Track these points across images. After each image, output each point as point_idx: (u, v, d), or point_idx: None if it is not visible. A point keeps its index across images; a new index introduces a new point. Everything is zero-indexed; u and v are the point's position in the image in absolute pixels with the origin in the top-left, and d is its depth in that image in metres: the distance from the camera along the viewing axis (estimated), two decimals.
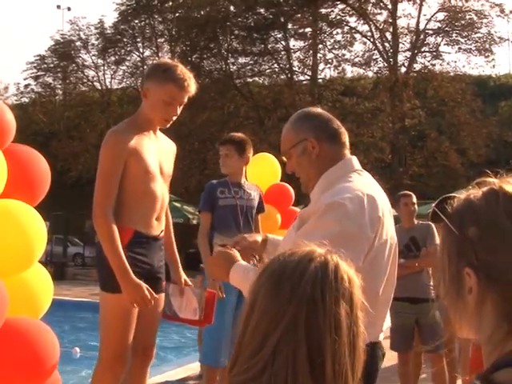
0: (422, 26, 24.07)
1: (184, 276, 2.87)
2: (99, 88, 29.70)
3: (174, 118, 2.57)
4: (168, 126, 2.60)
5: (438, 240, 4.27)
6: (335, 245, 1.05)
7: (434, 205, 2.83)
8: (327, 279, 0.92)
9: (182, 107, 2.57)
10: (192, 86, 2.52)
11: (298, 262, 0.95)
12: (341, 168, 1.82)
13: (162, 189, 2.64)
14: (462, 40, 23.78)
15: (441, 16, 24.08)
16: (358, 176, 1.82)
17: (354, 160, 1.88)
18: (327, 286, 0.92)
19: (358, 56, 25.21)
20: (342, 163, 1.83)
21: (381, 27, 24.12)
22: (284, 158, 1.91)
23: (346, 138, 1.89)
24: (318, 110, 1.90)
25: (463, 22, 23.66)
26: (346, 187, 1.74)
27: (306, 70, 25.92)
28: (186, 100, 2.55)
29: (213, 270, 1.94)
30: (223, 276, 1.84)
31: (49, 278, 2.57)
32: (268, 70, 26.09)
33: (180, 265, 2.87)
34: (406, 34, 24.45)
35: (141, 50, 28.58)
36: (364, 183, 1.79)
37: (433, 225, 4.25)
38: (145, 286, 2.47)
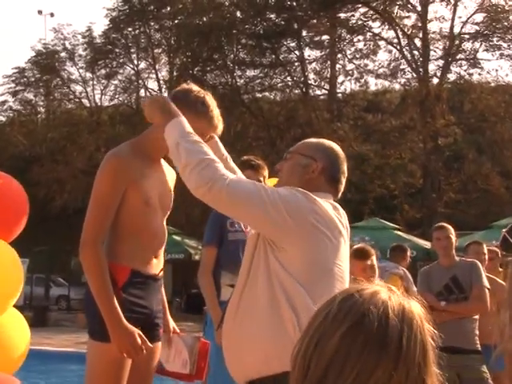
0: (456, 30, 24.03)
1: (172, 323, 2.88)
2: (88, 105, 30.08)
3: None
4: None
5: (485, 280, 4.22)
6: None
7: (504, 231, 2.83)
8: (415, 335, 1.01)
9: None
10: (221, 127, 2.64)
11: (384, 313, 1.02)
12: (315, 195, 2.12)
13: (161, 223, 2.69)
14: (505, 45, 23.57)
15: (479, 18, 23.94)
16: (327, 202, 2.13)
17: (330, 197, 2.20)
18: (416, 343, 1.01)
19: (382, 66, 25.38)
20: (320, 193, 2.14)
21: (409, 32, 24.22)
22: (284, 155, 2.24)
23: (340, 190, 2.26)
24: (344, 156, 2.27)
25: (506, 23, 23.34)
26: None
27: (323, 83, 26.11)
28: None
29: (147, 110, 2.27)
30: (155, 119, 2.24)
31: (25, 325, 2.53)
32: (280, 84, 26.34)
33: (167, 309, 2.89)
34: (439, 40, 24.48)
35: (135, 61, 28.97)
36: (330, 207, 2.12)
37: (478, 262, 4.20)
38: (137, 331, 2.48)
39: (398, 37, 24.34)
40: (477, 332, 4.18)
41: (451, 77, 24.60)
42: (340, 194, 2.26)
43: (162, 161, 2.78)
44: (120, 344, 2.45)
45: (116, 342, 2.45)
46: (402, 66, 24.76)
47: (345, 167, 2.24)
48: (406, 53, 24.31)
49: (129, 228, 2.58)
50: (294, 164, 2.19)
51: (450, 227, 4.42)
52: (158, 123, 2.23)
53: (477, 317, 4.22)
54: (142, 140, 2.67)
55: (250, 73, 26.09)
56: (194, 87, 2.63)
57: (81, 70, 29.66)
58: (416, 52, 24.19)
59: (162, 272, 2.74)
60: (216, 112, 2.60)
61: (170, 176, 2.81)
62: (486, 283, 4.20)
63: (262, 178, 3.78)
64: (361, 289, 1.06)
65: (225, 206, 2.06)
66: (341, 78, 26.17)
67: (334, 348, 0.99)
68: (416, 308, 1.05)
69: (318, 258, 2.03)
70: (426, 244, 13.42)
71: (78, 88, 30.06)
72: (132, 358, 2.49)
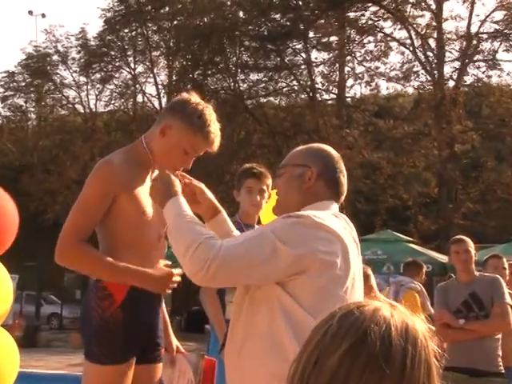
0: (474, 29, 23.88)
1: (176, 341, 2.89)
2: (81, 111, 30.16)
3: (182, 169, 2.67)
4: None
5: (508, 297, 4.20)
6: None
7: None
8: (420, 355, 1.00)
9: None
10: (218, 142, 2.65)
11: (387, 332, 1.01)
12: (317, 206, 2.14)
13: (160, 235, 2.70)
14: None
15: (499, 16, 23.75)
16: (333, 216, 2.11)
17: (335, 206, 2.20)
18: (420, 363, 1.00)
19: (394, 69, 25.38)
20: (322, 203, 2.16)
21: (422, 32, 24.21)
22: (277, 172, 2.26)
23: (343, 192, 2.24)
24: (338, 155, 2.27)
25: None
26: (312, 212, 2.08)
27: (331, 87, 26.17)
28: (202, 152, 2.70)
29: (151, 191, 2.33)
30: (156, 200, 2.27)
31: (13, 346, 2.52)
32: (285, 89, 26.40)
33: (170, 327, 2.90)
34: (455, 40, 24.40)
35: (132, 65, 29.10)
36: (335, 222, 2.08)
37: (499, 277, 4.17)
38: (165, 270, 2.60)
39: (410, 37, 24.36)
40: (499, 353, 4.13)
41: (468, 79, 24.59)
42: (343, 196, 2.25)
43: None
44: (160, 289, 2.60)
45: (156, 289, 2.60)
46: (415, 69, 24.79)
47: (342, 166, 2.24)
48: (419, 54, 24.31)
49: (125, 241, 2.59)
50: (288, 178, 2.21)
51: (468, 240, 4.40)
52: (159, 205, 2.26)
53: (499, 336, 4.18)
54: (136, 147, 2.69)
55: (254, 77, 26.21)
56: (194, 98, 2.65)
57: (74, 74, 29.82)
58: (430, 53, 24.18)
59: None
60: (213, 127, 2.61)
61: None
62: (509, 300, 4.18)
63: (264, 187, 3.79)
64: (361, 305, 1.06)
65: (228, 282, 2.12)
66: (350, 82, 26.23)
67: (334, 367, 0.98)
68: (420, 326, 1.04)
69: (328, 284, 2.00)
70: (443, 258, 13.35)
71: (72, 93, 30.20)
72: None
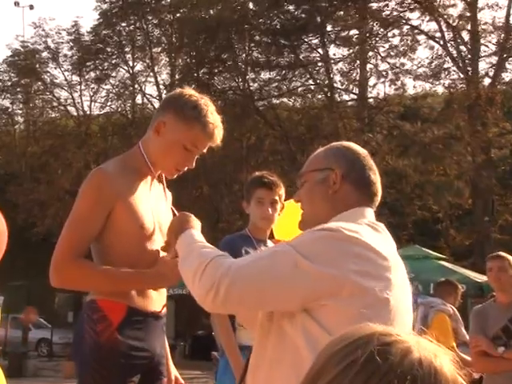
0: None
1: (175, 371, 2.90)
2: (74, 114, 30.34)
3: (186, 169, 2.70)
4: (174, 176, 2.73)
5: None
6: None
7: None
8: None
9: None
10: (220, 135, 2.67)
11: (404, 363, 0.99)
12: (349, 216, 2.05)
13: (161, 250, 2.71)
14: None
15: None
16: (369, 228, 2.02)
17: (370, 212, 2.13)
18: None
19: (422, 65, 25.34)
20: (354, 210, 2.08)
21: (454, 24, 24.14)
22: (297, 183, 2.20)
23: (376, 193, 2.16)
24: (364, 151, 2.19)
25: None
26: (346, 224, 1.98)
27: (351, 86, 26.18)
28: (205, 150, 2.71)
29: (168, 233, 2.35)
30: (171, 239, 2.27)
31: None
32: (300, 88, 26.49)
33: (169, 355, 2.90)
34: (491, 32, 24.27)
35: (130, 63, 29.25)
36: (372, 235, 1.98)
37: None
38: (166, 264, 2.60)
39: (441, 30, 24.30)
40: None
41: (506, 76, 24.53)
42: (379, 198, 2.16)
43: (156, 182, 2.81)
44: (173, 281, 2.62)
45: (169, 283, 2.66)
46: (446, 65, 24.72)
47: (370, 162, 2.15)
48: (451, 49, 24.25)
49: (123, 257, 2.59)
50: (310, 186, 2.15)
51: (508, 256, 4.37)
52: (175, 244, 2.25)
53: None
54: (132, 156, 2.72)
55: (265, 75, 26.29)
56: (188, 90, 2.70)
57: (66, 73, 30.01)
58: (463, 47, 24.12)
59: (164, 309, 2.75)
60: (212, 117, 2.64)
61: (169, 198, 2.85)
62: None
63: (277, 198, 3.79)
64: (393, 341, 1.02)
65: (242, 307, 2.03)
66: (372, 81, 26.26)
67: None
68: (448, 367, 1.00)
69: (364, 311, 1.87)
70: (479, 277, 13.28)
71: (63, 94, 30.35)
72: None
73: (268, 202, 3.75)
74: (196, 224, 2.28)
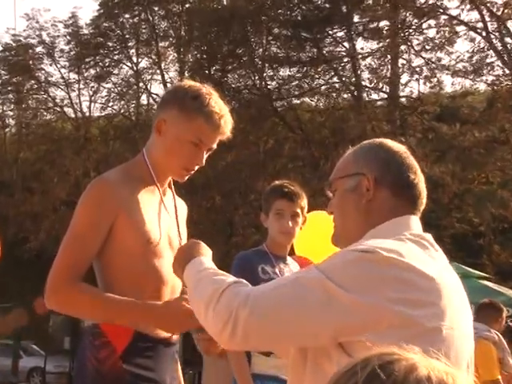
0: None
1: None
2: (72, 116, 30.48)
3: (197, 167, 2.70)
4: (186, 179, 2.74)
5: None
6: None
7: None
8: None
9: (208, 154, 2.72)
10: (228, 125, 2.67)
11: None
12: (388, 230, 1.95)
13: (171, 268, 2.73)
14: None
15: None
16: (413, 244, 1.90)
17: (414, 220, 2.01)
18: None
19: (461, 60, 25.22)
20: (395, 222, 1.98)
21: (499, 13, 24.02)
22: (328, 193, 2.14)
23: (420, 195, 2.05)
24: (401, 146, 2.10)
25: None
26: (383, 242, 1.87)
27: (381, 84, 26.08)
28: (215, 145, 2.70)
29: (173, 263, 2.28)
30: (178, 271, 2.21)
31: None
32: (324, 87, 26.47)
33: None
34: None
35: (134, 58, 29.40)
36: (417, 252, 1.87)
37: None
38: (176, 302, 2.59)
39: (483, 19, 24.12)
40: None
41: None
42: (423, 202, 2.05)
43: (170, 191, 2.84)
44: (175, 329, 2.61)
45: (170, 330, 2.62)
46: (488, 59, 24.54)
47: (411, 161, 2.06)
48: (494, 41, 24.09)
49: (128, 276, 2.60)
50: (341, 195, 2.08)
51: None
52: (179, 277, 2.24)
53: None
54: (135, 164, 2.74)
55: (285, 72, 26.28)
56: (187, 81, 2.73)
57: (63, 70, 30.15)
58: (509, 39, 23.98)
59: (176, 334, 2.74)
60: (216, 106, 2.63)
61: (181, 207, 2.85)
62: None
63: (298, 210, 3.80)
64: (396, 359, 1.04)
65: (265, 343, 1.96)
66: (405, 78, 26.11)
67: None
68: None
69: (409, 343, 1.71)
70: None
71: (60, 93, 30.46)
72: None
73: (288, 214, 3.76)
74: (206, 252, 2.21)
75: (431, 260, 1.88)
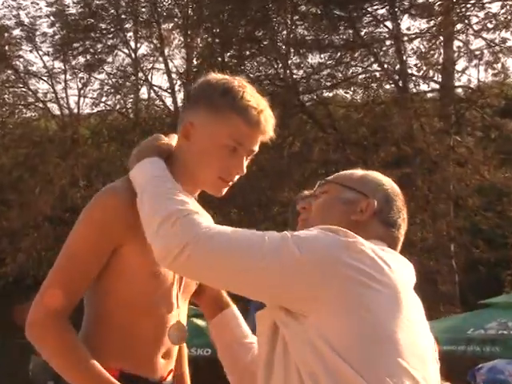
0: None
1: None
2: (57, 113, 30.58)
3: (237, 177, 2.76)
4: (224, 192, 2.82)
5: None
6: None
7: None
8: None
9: (249, 160, 2.79)
10: (270, 122, 2.72)
11: None
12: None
13: (178, 304, 2.78)
14: None
15: None
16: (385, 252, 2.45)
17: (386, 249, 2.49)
18: None
19: None
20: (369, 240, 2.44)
21: None
22: (312, 191, 2.70)
23: (399, 239, 2.61)
24: (399, 191, 2.65)
25: None
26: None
27: (431, 72, 25.98)
28: (257, 147, 2.76)
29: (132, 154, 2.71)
30: (132, 162, 2.66)
31: None
32: (362, 76, 26.49)
33: None
34: None
35: (132, 43, 29.44)
36: (384, 252, 2.40)
37: None
38: None
39: None
40: None
41: None
42: (399, 243, 2.60)
43: None
44: None
45: None
46: None
47: (402, 205, 2.62)
48: None
49: (126, 309, 2.67)
50: (332, 199, 2.54)
51: None
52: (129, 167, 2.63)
53: None
54: None
55: (314, 59, 26.29)
56: (215, 74, 2.77)
57: (45, 58, 30.14)
58: None
59: (170, 375, 2.80)
60: (254, 100, 2.70)
61: None
62: None
63: None
64: None
65: (202, 272, 2.32)
66: (462, 64, 26.05)
67: None
68: None
69: (370, 322, 2.25)
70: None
71: (42, 86, 30.62)
72: None
73: None
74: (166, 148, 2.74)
75: (398, 263, 2.40)
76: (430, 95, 26.30)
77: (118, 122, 29.57)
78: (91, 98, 30.07)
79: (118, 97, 29.87)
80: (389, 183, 2.61)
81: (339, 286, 2.21)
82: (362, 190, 2.52)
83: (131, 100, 30.05)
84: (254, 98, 2.70)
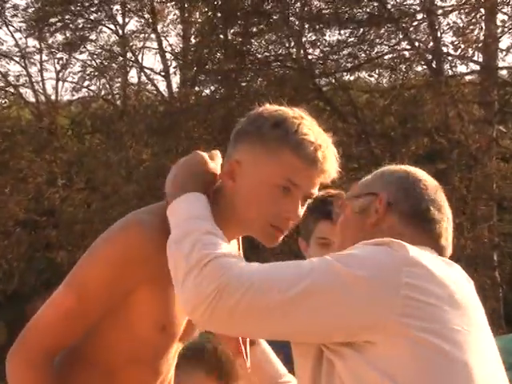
0: None
1: None
2: (32, 100, 30.68)
3: (292, 223, 2.74)
4: (279, 241, 2.81)
5: None
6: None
7: None
8: None
9: (306, 204, 2.79)
10: (331, 161, 2.75)
11: None
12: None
13: (172, 353, 2.89)
14: None
15: None
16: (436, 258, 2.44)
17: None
18: None
19: None
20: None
21: None
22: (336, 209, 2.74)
23: (441, 235, 2.52)
24: (435, 182, 2.61)
25: None
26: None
27: (470, 50, 25.89)
28: (316, 191, 2.78)
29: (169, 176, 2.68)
30: (168, 188, 2.63)
31: None
32: (388, 56, 26.47)
33: None
34: None
35: (119, 18, 29.58)
36: (441, 264, 2.38)
37: None
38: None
39: None
40: None
41: None
42: (446, 244, 2.51)
43: None
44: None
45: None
46: None
47: (438, 196, 2.54)
48: None
49: (120, 356, 2.75)
50: (346, 216, 2.61)
51: None
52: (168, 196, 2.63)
53: None
54: None
55: (332, 36, 26.36)
56: (270, 106, 2.76)
57: (17, 35, 30.61)
58: None
59: None
60: (312, 134, 2.68)
61: None
62: None
63: None
64: None
65: (252, 320, 2.26)
66: (506, 41, 25.96)
67: None
68: None
69: (433, 352, 2.21)
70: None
71: (14, 68, 30.69)
72: None
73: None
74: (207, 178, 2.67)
75: (460, 276, 2.43)
76: (468, 78, 26.39)
77: (103, 110, 29.70)
78: (71, 82, 30.38)
79: (103, 81, 30.09)
80: (404, 170, 2.61)
81: (402, 301, 2.22)
82: (372, 189, 2.56)
83: (118, 84, 30.21)
84: (312, 131, 2.69)
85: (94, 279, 2.65)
